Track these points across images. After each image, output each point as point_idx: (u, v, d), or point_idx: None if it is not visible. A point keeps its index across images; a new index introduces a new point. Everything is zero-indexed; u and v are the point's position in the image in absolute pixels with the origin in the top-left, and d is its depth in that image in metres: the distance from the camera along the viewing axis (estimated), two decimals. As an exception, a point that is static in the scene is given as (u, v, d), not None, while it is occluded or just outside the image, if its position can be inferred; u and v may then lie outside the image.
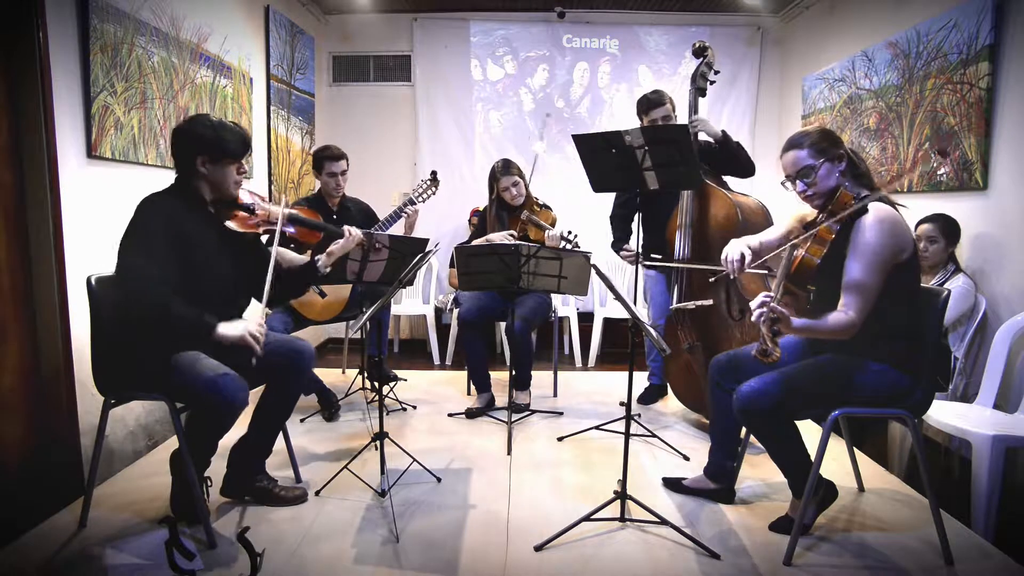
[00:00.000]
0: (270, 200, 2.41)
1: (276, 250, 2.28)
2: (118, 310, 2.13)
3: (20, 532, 2.15)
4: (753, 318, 1.85)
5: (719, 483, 2.47)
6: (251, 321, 2.13)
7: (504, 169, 3.52)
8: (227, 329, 2.08)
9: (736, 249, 2.19)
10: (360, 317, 2.41)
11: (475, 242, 3.56)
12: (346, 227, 2.56)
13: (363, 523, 2.28)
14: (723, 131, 3.15)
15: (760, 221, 2.99)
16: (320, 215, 3.14)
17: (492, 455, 2.91)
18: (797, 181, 2.08)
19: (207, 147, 2.12)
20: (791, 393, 2.06)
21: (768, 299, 1.83)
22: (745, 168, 3.20)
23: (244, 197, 2.31)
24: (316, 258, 2.45)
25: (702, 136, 3.16)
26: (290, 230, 2.47)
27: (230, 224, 2.25)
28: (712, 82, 3.23)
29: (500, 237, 3.43)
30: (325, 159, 3.40)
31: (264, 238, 2.47)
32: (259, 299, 2.42)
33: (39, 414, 2.42)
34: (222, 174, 2.17)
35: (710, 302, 2.79)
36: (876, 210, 1.94)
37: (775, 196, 3.23)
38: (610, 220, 3.58)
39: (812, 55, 4.68)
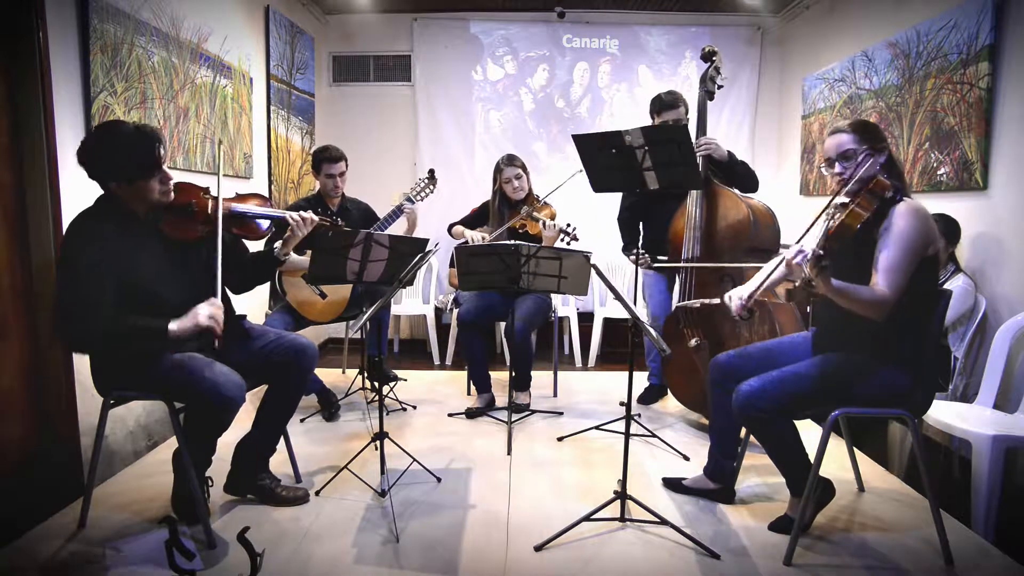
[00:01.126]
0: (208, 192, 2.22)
1: (221, 248, 2.13)
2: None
3: (20, 532, 2.15)
4: (796, 261, 1.83)
5: (719, 483, 2.47)
6: (201, 306, 2.01)
7: (508, 161, 3.56)
8: (181, 323, 1.97)
9: (736, 295, 2.16)
10: (360, 317, 2.40)
11: (456, 228, 3.63)
12: (299, 213, 2.39)
13: (363, 523, 2.28)
14: (728, 152, 3.17)
15: (770, 223, 2.99)
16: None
17: (492, 455, 2.91)
18: (836, 163, 2.07)
19: (114, 171, 1.97)
20: (791, 392, 2.06)
21: (810, 247, 1.80)
22: (753, 184, 3.22)
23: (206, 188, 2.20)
24: (273, 246, 2.39)
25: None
26: (233, 230, 2.29)
27: (167, 232, 2.11)
28: (720, 86, 3.23)
29: (472, 235, 3.52)
30: (323, 161, 3.41)
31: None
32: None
33: (39, 414, 2.42)
34: (142, 192, 2.01)
35: (717, 301, 2.78)
36: (908, 201, 1.97)
37: (777, 199, 3.23)
38: (618, 223, 3.59)
39: (812, 55, 4.68)
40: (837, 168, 2.07)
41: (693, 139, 2.99)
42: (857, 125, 2.07)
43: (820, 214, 1.97)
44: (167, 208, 2.12)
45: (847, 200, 1.96)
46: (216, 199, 2.19)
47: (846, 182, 2.02)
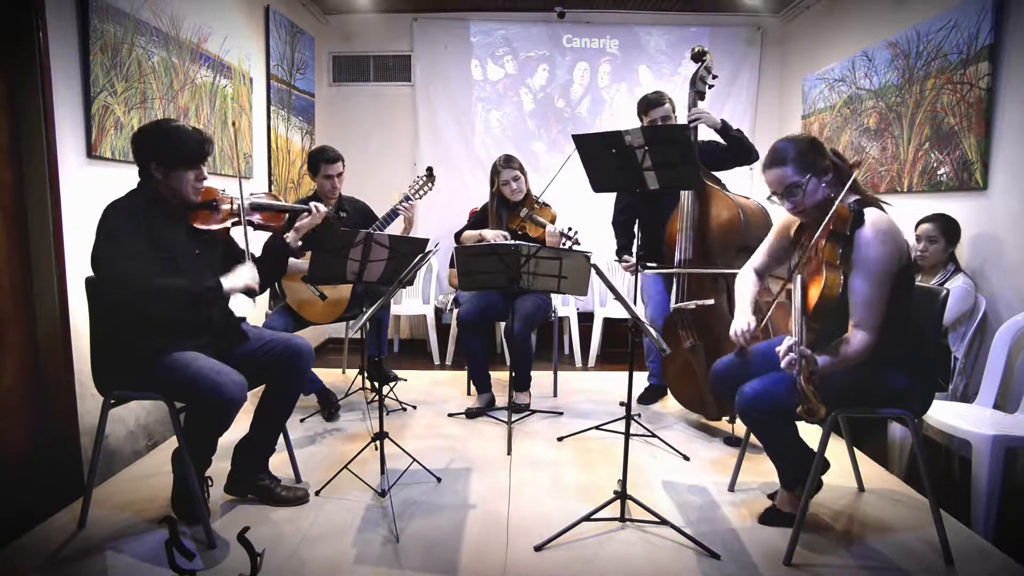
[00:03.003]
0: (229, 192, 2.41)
1: (247, 238, 2.28)
2: (119, 311, 2.12)
3: (20, 532, 2.15)
4: (783, 365, 1.80)
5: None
6: (244, 271, 2.24)
7: (505, 163, 3.51)
8: (230, 282, 2.18)
9: (742, 322, 2.11)
10: (360, 317, 2.40)
11: (467, 233, 3.58)
12: (312, 204, 2.56)
13: (363, 523, 2.28)
14: (722, 120, 3.19)
15: (761, 223, 2.99)
16: None
17: (492, 455, 2.91)
18: (785, 199, 2.06)
19: (160, 154, 2.11)
20: (792, 393, 2.05)
21: (795, 344, 1.78)
22: (748, 154, 3.23)
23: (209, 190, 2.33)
24: (284, 235, 2.44)
25: (702, 129, 3.18)
26: (256, 218, 2.42)
27: (195, 224, 2.24)
28: (711, 86, 3.24)
29: (493, 235, 3.44)
30: (321, 161, 3.36)
31: (234, 232, 2.43)
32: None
33: (39, 414, 2.42)
34: (177, 180, 2.14)
35: (711, 302, 2.79)
36: (872, 221, 1.93)
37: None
38: (612, 226, 3.58)
39: (812, 55, 4.68)
40: (788, 205, 2.06)
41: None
42: (794, 153, 2.00)
43: (795, 267, 1.96)
44: (194, 205, 2.25)
45: (820, 240, 1.95)
46: (234, 199, 2.36)
47: (800, 213, 2.06)
